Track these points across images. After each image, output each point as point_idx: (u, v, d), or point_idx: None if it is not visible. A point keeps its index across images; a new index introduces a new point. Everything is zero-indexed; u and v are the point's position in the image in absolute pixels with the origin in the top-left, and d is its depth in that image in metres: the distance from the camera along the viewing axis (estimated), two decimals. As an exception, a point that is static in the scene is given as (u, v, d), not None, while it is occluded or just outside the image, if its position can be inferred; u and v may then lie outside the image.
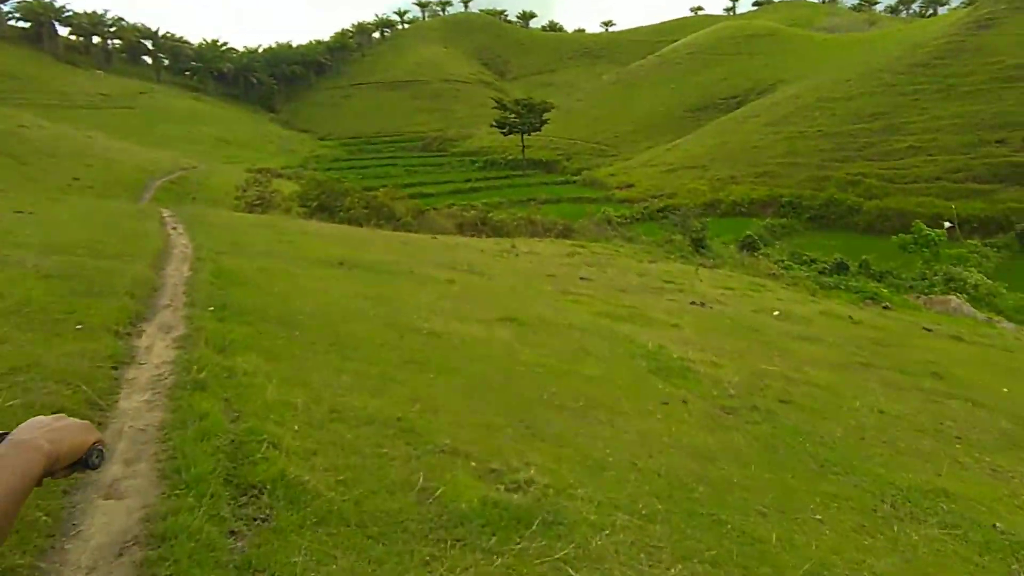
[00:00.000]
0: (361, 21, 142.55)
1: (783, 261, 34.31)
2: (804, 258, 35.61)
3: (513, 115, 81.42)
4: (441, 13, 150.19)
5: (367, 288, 11.67)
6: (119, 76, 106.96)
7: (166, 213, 23.41)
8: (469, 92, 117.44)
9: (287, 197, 34.91)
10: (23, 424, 1.14)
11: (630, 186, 61.99)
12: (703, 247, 33.72)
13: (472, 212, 37.03)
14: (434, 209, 41.45)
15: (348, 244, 19.57)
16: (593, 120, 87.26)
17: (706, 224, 35.99)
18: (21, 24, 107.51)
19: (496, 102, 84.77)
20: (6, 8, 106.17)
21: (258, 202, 33.22)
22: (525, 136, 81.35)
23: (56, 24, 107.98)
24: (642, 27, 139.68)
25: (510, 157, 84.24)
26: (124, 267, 9.67)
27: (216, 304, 8.10)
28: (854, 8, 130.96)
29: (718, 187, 54.47)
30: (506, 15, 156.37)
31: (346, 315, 9.04)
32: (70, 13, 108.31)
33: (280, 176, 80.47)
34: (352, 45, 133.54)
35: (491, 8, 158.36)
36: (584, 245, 32.00)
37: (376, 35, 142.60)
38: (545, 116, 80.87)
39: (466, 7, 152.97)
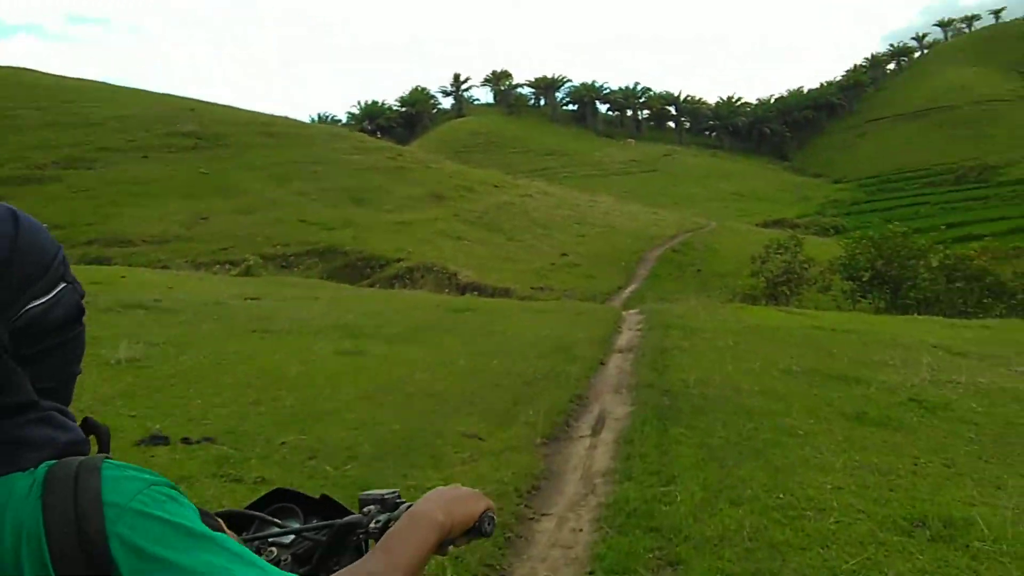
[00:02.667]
0: (874, 53, 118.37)
1: None
2: None
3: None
4: (967, 30, 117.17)
5: None
6: (647, 142, 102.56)
7: (627, 335, 11.09)
8: (1009, 112, 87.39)
9: (825, 268, 20.16)
10: (424, 496, 1.05)
11: None
12: None
13: None
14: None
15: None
16: None
17: None
18: (570, 107, 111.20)
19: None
20: (559, 95, 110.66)
21: (783, 279, 19.15)
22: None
23: (597, 103, 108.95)
24: None
25: (1087, 181, 56.46)
26: None
27: None
28: None
29: None
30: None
31: None
32: (608, 91, 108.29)
33: (796, 226, 64.90)
34: (865, 80, 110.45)
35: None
36: None
37: (891, 66, 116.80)
38: None
39: (997, 19, 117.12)
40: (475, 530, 1.08)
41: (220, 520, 0.97)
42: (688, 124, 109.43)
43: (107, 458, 0.81)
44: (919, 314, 15.93)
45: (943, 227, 47.78)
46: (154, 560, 0.73)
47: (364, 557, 0.96)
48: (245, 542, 1.08)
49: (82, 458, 0.80)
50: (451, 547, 1.06)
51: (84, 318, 0.90)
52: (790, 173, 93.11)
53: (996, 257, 18.83)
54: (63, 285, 0.86)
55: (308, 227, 26.69)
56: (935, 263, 18.42)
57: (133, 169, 30.76)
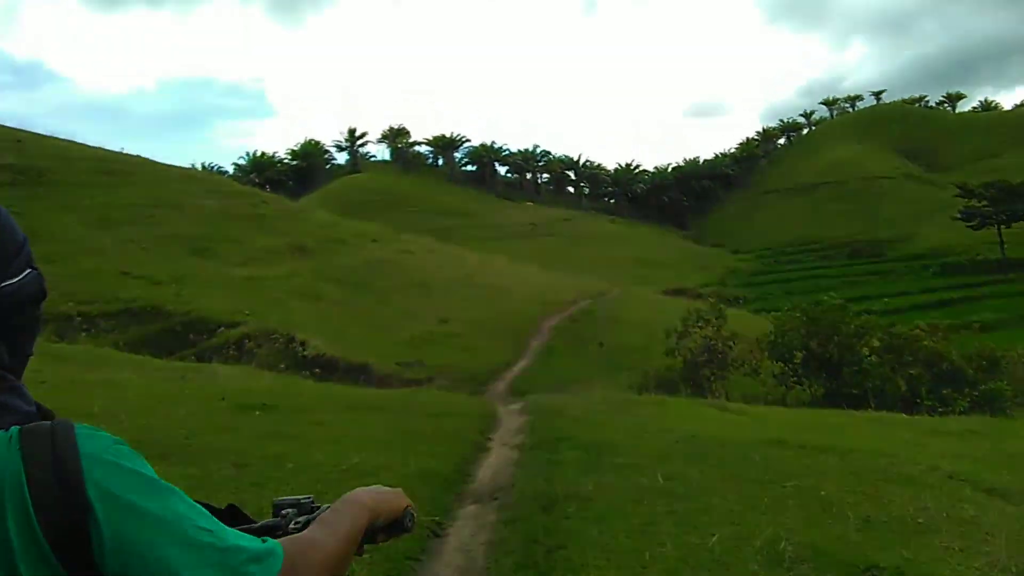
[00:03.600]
0: (766, 127, 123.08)
1: None
2: None
3: (984, 203, 56.73)
4: (851, 109, 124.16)
5: None
6: (546, 206, 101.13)
7: (496, 458, 6.99)
8: (895, 188, 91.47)
9: (754, 346, 16.83)
10: (349, 492, 1.12)
11: None
12: None
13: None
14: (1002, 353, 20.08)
15: None
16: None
17: None
18: (469, 168, 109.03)
19: (960, 188, 60.94)
20: (458, 155, 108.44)
21: (705, 359, 15.62)
22: (1003, 228, 55.18)
23: (496, 164, 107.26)
24: None
25: (979, 257, 58.33)
26: None
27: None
28: None
29: None
30: (927, 101, 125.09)
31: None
32: (507, 152, 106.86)
33: (700, 295, 63.76)
34: (758, 153, 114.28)
35: (909, 97, 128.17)
36: None
37: (781, 141, 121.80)
38: (1032, 201, 55.34)
39: (878, 100, 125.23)
40: (398, 524, 1.14)
41: None
42: (587, 189, 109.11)
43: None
44: (875, 408, 12.66)
45: (846, 301, 47.52)
46: (126, 505, 0.80)
47: (307, 528, 1.01)
48: None
49: (52, 421, 0.87)
50: (375, 543, 1.12)
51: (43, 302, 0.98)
52: (689, 242, 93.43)
53: (944, 336, 16.05)
54: (30, 270, 0.94)
55: (130, 281, 21.50)
56: (876, 342, 15.46)
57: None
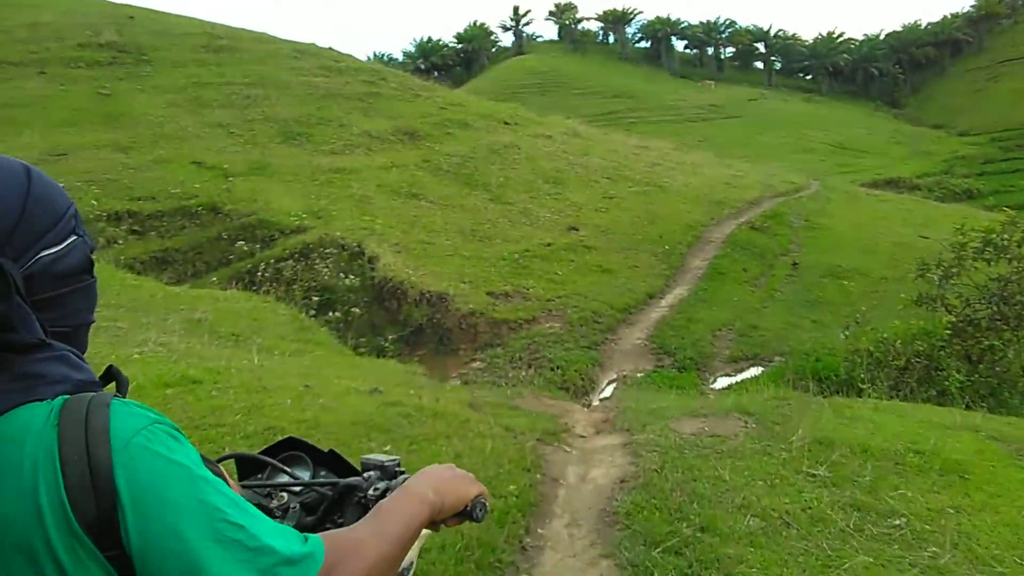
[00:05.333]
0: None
1: None
2: None
3: None
4: None
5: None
6: (729, 84, 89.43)
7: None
8: None
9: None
10: (419, 471, 1.07)
11: None
12: None
13: None
14: None
15: None
16: None
17: None
18: (642, 44, 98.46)
19: None
20: (630, 31, 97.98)
21: (996, 319, 8.83)
22: None
23: (672, 39, 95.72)
24: None
25: None
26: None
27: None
28: None
29: None
30: None
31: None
32: (685, 25, 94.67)
33: (916, 187, 53.01)
34: (1001, 11, 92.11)
35: None
36: None
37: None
38: None
39: None
40: (465, 514, 1.07)
41: (220, 467, 1.01)
42: (779, 64, 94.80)
43: (116, 395, 0.87)
44: None
45: None
46: (153, 494, 0.78)
47: (358, 522, 0.97)
48: (247, 488, 1.13)
49: (95, 393, 0.85)
50: (443, 525, 1.06)
51: (94, 270, 0.95)
52: (903, 122, 78.57)
53: None
54: (74, 238, 0.91)
55: (200, 172, 17.75)
56: None
57: (13, 88, 22.46)
